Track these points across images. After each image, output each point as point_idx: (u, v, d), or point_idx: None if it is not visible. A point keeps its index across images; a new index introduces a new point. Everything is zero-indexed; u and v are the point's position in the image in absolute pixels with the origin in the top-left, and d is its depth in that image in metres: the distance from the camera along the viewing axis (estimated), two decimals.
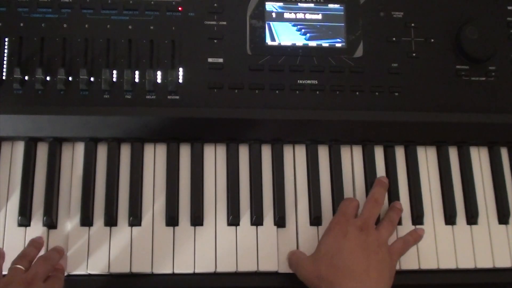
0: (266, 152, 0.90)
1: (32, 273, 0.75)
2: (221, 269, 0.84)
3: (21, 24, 0.87)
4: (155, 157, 0.89)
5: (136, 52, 0.88)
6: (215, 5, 0.91)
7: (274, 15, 0.92)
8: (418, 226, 0.89)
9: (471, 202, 0.91)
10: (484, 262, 0.89)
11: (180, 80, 0.88)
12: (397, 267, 0.85)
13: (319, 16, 0.92)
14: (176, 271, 0.84)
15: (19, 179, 0.85)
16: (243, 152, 0.90)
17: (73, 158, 0.87)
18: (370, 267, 0.78)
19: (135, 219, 0.85)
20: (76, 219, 0.85)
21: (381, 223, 0.86)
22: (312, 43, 0.91)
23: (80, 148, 0.88)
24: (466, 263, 0.88)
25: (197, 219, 0.85)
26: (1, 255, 0.79)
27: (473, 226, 0.90)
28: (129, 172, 0.87)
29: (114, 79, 0.87)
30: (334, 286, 0.77)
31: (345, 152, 0.92)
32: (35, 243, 0.81)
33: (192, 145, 0.89)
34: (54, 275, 0.79)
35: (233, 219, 0.86)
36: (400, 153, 0.93)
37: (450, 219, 0.90)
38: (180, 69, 0.88)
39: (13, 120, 0.84)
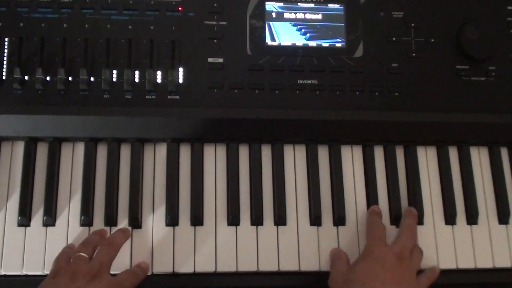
0: (266, 152, 0.90)
1: (97, 264, 0.75)
2: (221, 269, 0.84)
3: (21, 24, 0.87)
4: (155, 157, 0.89)
5: (136, 52, 0.88)
6: (215, 5, 0.91)
7: (274, 15, 0.92)
8: (418, 226, 0.89)
9: (471, 202, 0.91)
10: (484, 262, 0.89)
11: (180, 80, 0.88)
12: None
13: (319, 16, 0.92)
14: (176, 271, 0.84)
15: (19, 179, 0.85)
16: (243, 152, 0.90)
17: (73, 158, 0.87)
18: None
19: (135, 219, 0.85)
20: (76, 219, 0.85)
21: (413, 251, 0.84)
22: (312, 43, 0.91)
23: (80, 148, 0.88)
24: (466, 263, 0.88)
25: (197, 219, 0.85)
26: (72, 248, 0.80)
27: (473, 226, 0.91)
28: (129, 172, 0.87)
29: (114, 79, 0.87)
30: None
31: (345, 152, 0.92)
32: (98, 232, 0.82)
33: (192, 145, 0.89)
34: (130, 271, 0.80)
35: (233, 219, 0.86)
36: (400, 153, 0.93)
37: (450, 219, 0.90)
38: (180, 69, 0.88)
39: (13, 120, 0.84)
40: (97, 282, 0.73)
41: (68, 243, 0.83)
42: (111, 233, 0.84)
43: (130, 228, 0.85)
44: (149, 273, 0.83)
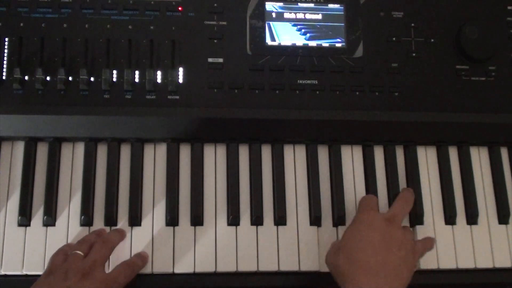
0: (266, 152, 0.90)
1: (90, 261, 0.75)
2: (221, 269, 0.84)
3: (21, 24, 0.87)
4: (155, 157, 0.89)
5: (136, 52, 0.88)
6: (215, 5, 0.91)
7: (274, 15, 0.92)
8: (418, 226, 0.89)
9: (471, 202, 0.91)
10: (484, 262, 0.89)
11: (180, 80, 0.88)
12: None
13: (319, 16, 0.93)
14: (176, 271, 0.84)
15: (19, 179, 0.85)
16: (243, 152, 0.90)
17: (73, 158, 0.87)
18: (388, 262, 0.75)
19: (135, 219, 0.85)
20: (76, 219, 0.85)
21: (406, 226, 0.85)
22: (312, 43, 0.91)
23: (80, 148, 0.88)
24: (466, 263, 0.88)
25: (197, 219, 0.85)
26: (70, 246, 0.80)
27: (473, 226, 0.90)
28: (129, 172, 0.87)
29: (114, 79, 0.87)
30: (347, 278, 0.74)
31: (345, 152, 0.92)
32: (97, 231, 0.82)
33: (192, 145, 0.89)
34: (125, 263, 0.79)
35: (233, 219, 0.86)
36: (400, 153, 0.93)
37: (450, 219, 0.90)
38: (180, 69, 0.88)
39: (13, 120, 0.84)
40: (89, 280, 0.72)
41: (68, 242, 0.83)
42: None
43: (130, 228, 0.85)
44: (149, 273, 0.83)
